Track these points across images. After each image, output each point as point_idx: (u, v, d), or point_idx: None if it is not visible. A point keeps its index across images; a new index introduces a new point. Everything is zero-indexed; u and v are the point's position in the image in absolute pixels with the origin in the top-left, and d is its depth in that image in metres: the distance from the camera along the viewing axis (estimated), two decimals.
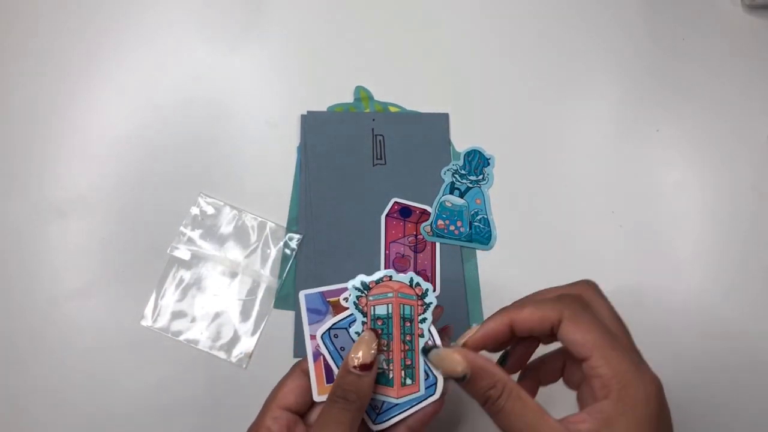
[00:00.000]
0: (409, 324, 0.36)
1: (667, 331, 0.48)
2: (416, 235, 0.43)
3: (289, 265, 0.47)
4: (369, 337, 0.34)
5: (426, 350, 0.35)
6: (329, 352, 0.36)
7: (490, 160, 0.42)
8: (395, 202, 0.43)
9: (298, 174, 0.50)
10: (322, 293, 0.38)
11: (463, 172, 0.41)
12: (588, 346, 0.31)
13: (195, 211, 0.48)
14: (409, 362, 0.35)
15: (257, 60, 0.54)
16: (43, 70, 0.51)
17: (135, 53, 0.53)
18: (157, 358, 0.45)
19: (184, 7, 0.55)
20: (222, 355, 0.45)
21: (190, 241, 0.47)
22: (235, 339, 0.46)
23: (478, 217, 0.42)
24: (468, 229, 0.41)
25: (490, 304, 0.47)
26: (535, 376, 0.37)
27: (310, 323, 0.37)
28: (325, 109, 0.52)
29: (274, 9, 0.55)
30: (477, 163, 0.42)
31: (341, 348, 0.36)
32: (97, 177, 0.49)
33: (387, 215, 0.44)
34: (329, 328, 0.37)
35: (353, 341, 0.35)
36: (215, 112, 0.52)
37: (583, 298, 0.33)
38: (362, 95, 0.53)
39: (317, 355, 0.36)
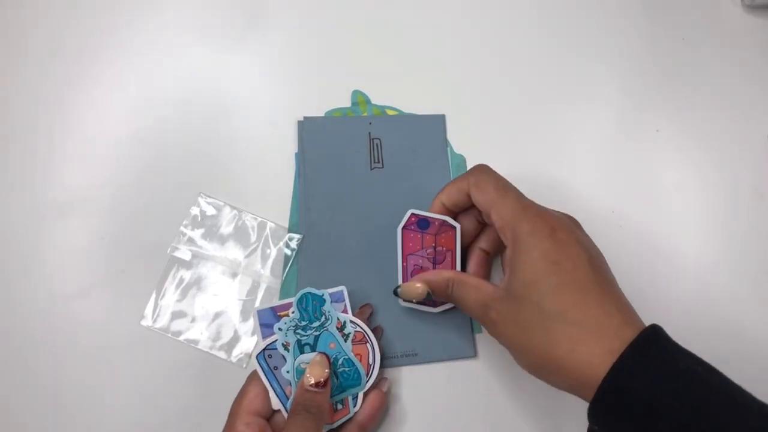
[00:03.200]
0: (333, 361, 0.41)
1: (668, 330, 0.48)
2: (435, 247, 0.43)
3: (289, 265, 0.47)
4: (320, 359, 0.39)
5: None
6: (264, 372, 0.40)
7: (323, 296, 0.42)
8: (412, 214, 0.43)
9: (297, 179, 0.50)
10: (273, 308, 0.42)
11: (303, 323, 0.41)
12: (486, 203, 0.39)
13: (195, 211, 0.48)
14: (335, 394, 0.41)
15: (257, 61, 0.54)
16: (42, 70, 0.51)
17: (135, 53, 0.53)
18: (157, 358, 0.45)
19: (184, 8, 0.55)
20: (222, 355, 0.45)
21: (191, 241, 0.47)
22: (235, 339, 0.46)
23: (340, 361, 0.41)
24: (336, 380, 0.41)
25: None
26: (479, 251, 0.45)
27: (263, 337, 0.41)
28: (323, 113, 0.52)
29: (273, 11, 0.55)
30: (312, 306, 0.42)
31: (275, 368, 0.40)
32: (97, 177, 0.49)
33: (404, 228, 0.44)
34: (263, 349, 0.41)
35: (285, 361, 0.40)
36: (215, 112, 0.52)
37: (485, 168, 0.41)
38: (359, 99, 0.53)
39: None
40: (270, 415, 0.40)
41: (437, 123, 0.53)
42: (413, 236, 0.43)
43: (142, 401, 0.44)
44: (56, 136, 0.50)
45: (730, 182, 0.54)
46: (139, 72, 0.52)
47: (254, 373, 0.41)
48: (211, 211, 0.48)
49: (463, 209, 0.44)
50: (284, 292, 0.47)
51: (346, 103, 0.53)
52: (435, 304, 0.45)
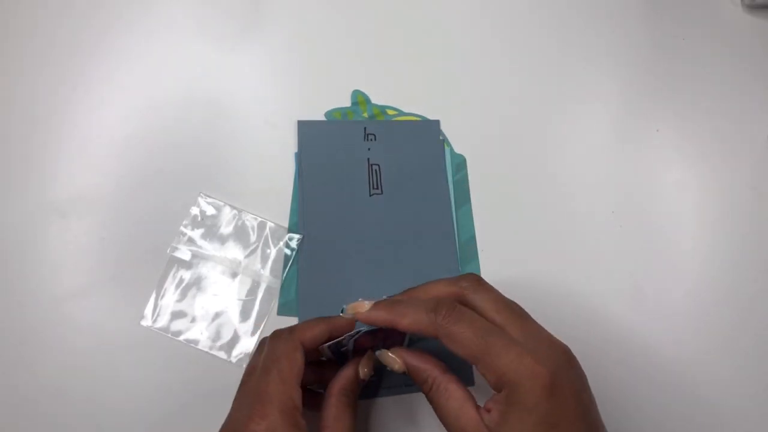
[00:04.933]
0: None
1: (667, 331, 0.48)
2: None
3: (289, 265, 0.47)
4: (371, 354, 0.38)
5: (375, 348, 0.38)
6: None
7: None
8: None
9: (297, 179, 0.50)
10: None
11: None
12: (470, 359, 0.33)
13: (195, 211, 0.48)
14: None
15: (257, 61, 0.54)
16: (42, 70, 0.51)
17: (135, 53, 0.53)
18: (157, 358, 0.45)
19: (184, 7, 0.55)
20: (222, 355, 0.45)
21: (191, 241, 0.47)
22: (235, 339, 0.46)
23: None
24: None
25: None
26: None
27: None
28: (323, 112, 0.52)
29: (273, 11, 0.55)
30: None
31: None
32: (97, 177, 0.49)
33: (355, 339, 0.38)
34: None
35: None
36: (215, 111, 0.52)
37: (460, 302, 0.35)
38: (359, 99, 0.53)
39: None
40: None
41: (433, 128, 0.52)
42: (363, 341, 0.39)
43: (142, 401, 0.44)
44: (56, 136, 0.50)
45: (730, 182, 0.54)
46: (138, 72, 0.52)
47: (293, 340, 0.36)
48: (210, 210, 0.48)
49: None
50: (284, 292, 0.47)
51: (346, 103, 0.53)
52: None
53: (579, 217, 0.51)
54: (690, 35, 0.58)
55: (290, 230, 0.48)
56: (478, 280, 0.36)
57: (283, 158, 0.50)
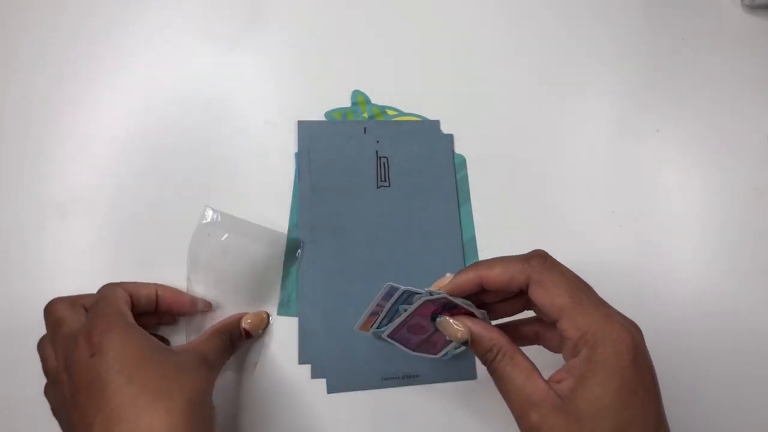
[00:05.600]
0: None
1: (668, 332, 0.48)
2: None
3: (289, 270, 0.47)
4: (265, 316, 0.45)
5: (434, 317, 0.36)
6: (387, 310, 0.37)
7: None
8: (445, 297, 0.35)
9: (297, 179, 0.50)
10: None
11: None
12: (555, 309, 0.32)
13: (206, 220, 0.45)
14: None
15: (257, 61, 0.54)
16: (42, 70, 0.51)
17: (135, 54, 0.53)
18: None
19: (184, 7, 0.55)
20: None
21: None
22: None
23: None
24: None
25: None
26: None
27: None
28: (323, 113, 0.52)
29: (273, 11, 0.55)
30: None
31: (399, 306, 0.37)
32: (97, 177, 0.49)
33: (429, 301, 0.36)
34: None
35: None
36: (215, 111, 0.52)
37: (549, 258, 0.34)
38: (359, 99, 0.53)
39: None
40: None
41: (435, 127, 0.53)
42: (431, 307, 0.36)
43: None
44: (56, 136, 0.50)
45: (730, 182, 0.54)
46: (138, 72, 0.52)
47: (108, 285, 0.41)
48: (216, 221, 0.45)
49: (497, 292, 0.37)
50: (284, 292, 0.47)
51: (346, 103, 0.53)
52: (431, 349, 0.39)
53: (579, 217, 0.51)
54: (690, 35, 0.58)
55: (290, 230, 0.48)
56: (548, 260, 0.35)
57: (283, 158, 0.50)
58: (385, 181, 0.50)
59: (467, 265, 0.48)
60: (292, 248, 0.48)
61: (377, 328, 0.38)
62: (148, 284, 0.43)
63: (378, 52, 0.55)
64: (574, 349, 0.32)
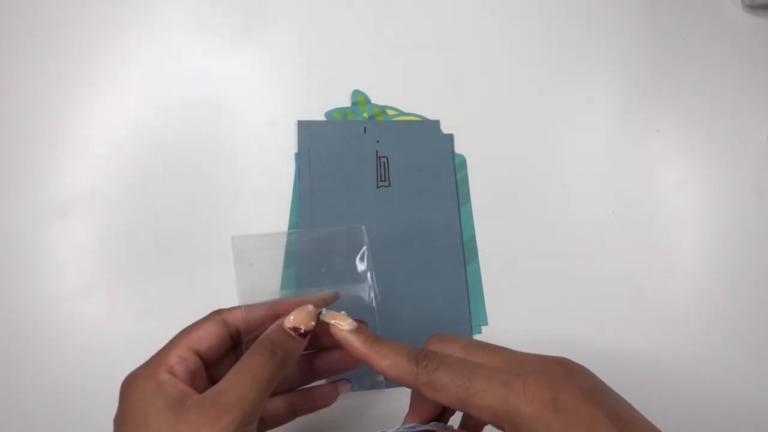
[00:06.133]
0: None
1: (668, 332, 0.48)
2: None
3: (289, 270, 0.47)
4: (312, 310, 0.34)
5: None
6: None
7: None
8: None
9: (297, 179, 0.50)
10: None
11: None
12: (456, 402, 0.29)
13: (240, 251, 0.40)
14: None
15: (257, 61, 0.54)
16: (42, 70, 0.51)
17: (135, 54, 0.53)
18: None
19: (184, 7, 0.55)
20: None
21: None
22: None
23: None
24: None
25: (491, 306, 0.47)
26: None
27: None
28: (323, 113, 0.52)
29: (273, 11, 0.55)
30: None
31: None
32: (97, 177, 0.49)
33: None
34: None
35: None
36: (215, 111, 0.52)
37: (427, 351, 0.31)
38: (359, 99, 0.53)
39: None
40: (212, 362, 0.34)
41: (434, 126, 0.53)
42: None
43: None
44: (56, 136, 0.50)
45: (730, 182, 0.54)
46: (138, 72, 0.52)
47: (218, 312, 0.34)
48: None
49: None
50: (284, 292, 0.47)
51: (346, 102, 0.53)
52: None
53: (579, 217, 0.51)
54: (690, 35, 0.58)
55: (290, 230, 0.48)
56: (437, 336, 0.33)
57: (283, 158, 0.50)
58: (385, 181, 0.50)
59: (466, 263, 0.48)
60: (293, 248, 0.48)
61: None
62: (212, 320, 0.34)
63: (378, 51, 0.55)
64: (500, 428, 0.29)
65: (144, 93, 0.52)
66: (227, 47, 0.54)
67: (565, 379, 0.29)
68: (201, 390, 0.31)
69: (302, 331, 0.33)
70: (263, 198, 0.49)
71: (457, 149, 0.52)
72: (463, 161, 0.52)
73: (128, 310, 0.46)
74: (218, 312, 0.34)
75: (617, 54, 0.57)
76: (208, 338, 0.33)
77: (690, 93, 0.56)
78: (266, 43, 0.54)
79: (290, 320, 0.33)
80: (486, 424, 0.30)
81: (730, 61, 0.58)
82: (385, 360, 0.32)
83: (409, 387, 0.31)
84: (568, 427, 0.27)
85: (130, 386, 0.31)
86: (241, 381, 0.30)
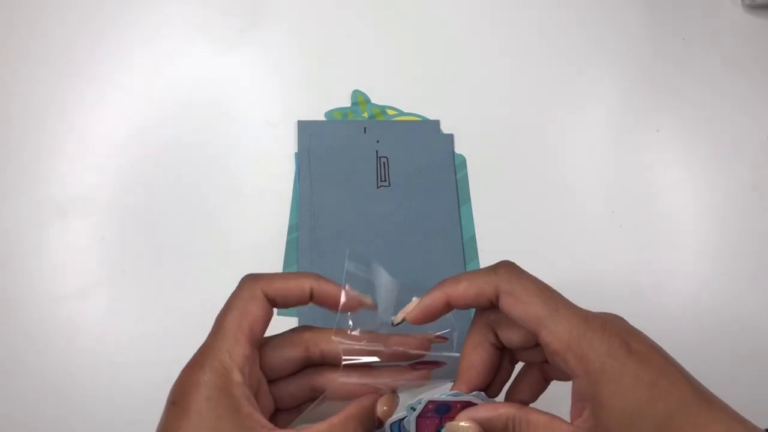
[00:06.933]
0: None
1: (668, 332, 0.48)
2: None
3: (289, 270, 0.47)
4: (397, 398, 0.33)
5: (438, 430, 0.32)
6: None
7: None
8: (429, 402, 0.32)
9: (297, 179, 0.50)
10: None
11: None
12: (532, 319, 0.29)
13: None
14: None
15: (257, 61, 0.54)
16: (42, 70, 0.51)
17: (135, 54, 0.53)
18: (159, 359, 0.45)
19: (184, 7, 0.55)
20: None
21: None
22: None
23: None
24: None
25: None
26: (533, 372, 0.35)
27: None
28: (323, 113, 0.52)
29: (273, 11, 0.55)
30: None
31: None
32: (97, 177, 0.49)
33: (420, 416, 0.33)
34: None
35: None
36: (214, 111, 0.52)
37: (518, 268, 0.31)
38: (359, 99, 0.53)
39: None
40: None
41: (446, 143, 0.52)
42: (429, 423, 0.33)
43: (142, 402, 0.44)
44: (56, 136, 0.50)
45: (730, 182, 0.54)
46: (138, 72, 0.52)
47: (254, 288, 0.30)
48: None
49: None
50: None
51: (346, 102, 0.53)
52: None
53: (579, 217, 0.51)
54: (690, 35, 0.58)
55: (290, 230, 0.48)
56: (517, 269, 0.32)
57: (283, 158, 0.50)
58: (385, 181, 0.50)
59: (466, 264, 0.48)
60: (293, 248, 0.48)
61: None
62: (300, 277, 0.32)
63: (378, 52, 0.55)
64: (563, 363, 0.29)
65: (144, 93, 0.52)
66: (227, 47, 0.54)
67: (634, 329, 0.30)
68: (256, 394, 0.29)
69: (381, 421, 0.32)
70: (263, 198, 0.49)
71: (457, 149, 0.52)
72: (463, 161, 0.52)
73: (128, 310, 0.46)
74: (254, 282, 0.31)
75: (617, 54, 0.57)
76: (260, 326, 0.30)
77: (690, 93, 0.56)
78: (266, 42, 0.54)
79: (382, 411, 0.31)
80: (538, 361, 0.31)
81: (730, 60, 0.58)
82: (459, 286, 0.31)
83: (485, 303, 0.31)
84: (642, 370, 0.27)
85: (196, 393, 0.28)
86: None
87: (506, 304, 0.30)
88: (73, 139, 0.50)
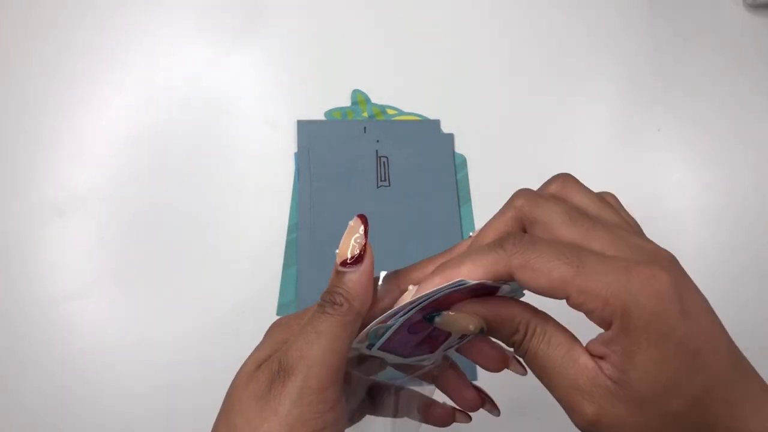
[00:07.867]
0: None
1: None
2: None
3: (289, 270, 0.47)
4: (353, 223, 0.29)
5: (431, 317, 0.27)
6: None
7: None
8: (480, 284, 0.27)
9: (297, 179, 0.50)
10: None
11: None
12: (557, 285, 0.24)
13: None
14: None
15: (256, 61, 0.54)
16: (42, 70, 0.51)
17: (135, 54, 0.53)
18: (158, 359, 0.45)
19: (184, 7, 0.55)
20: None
21: None
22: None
23: None
24: None
25: None
26: None
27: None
28: (322, 112, 0.52)
29: (273, 12, 0.55)
30: None
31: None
32: (97, 177, 0.49)
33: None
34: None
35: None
36: (214, 111, 0.52)
37: (525, 236, 0.26)
38: (359, 99, 0.53)
39: None
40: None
41: (434, 126, 0.52)
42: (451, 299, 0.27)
43: (142, 401, 0.44)
44: (56, 136, 0.50)
45: (731, 182, 0.54)
46: (138, 72, 0.52)
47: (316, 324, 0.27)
48: None
49: None
50: (284, 292, 0.47)
51: (346, 102, 0.53)
52: (429, 347, 0.30)
53: None
54: (691, 35, 0.58)
55: (290, 230, 0.48)
56: (533, 194, 0.28)
57: (283, 158, 0.50)
58: (385, 180, 0.50)
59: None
60: (293, 247, 0.48)
61: (369, 341, 0.29)
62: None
63: (378, 51, 0.55)
64: (600, 320, 0.24)
65: (144, 93, 0.52)
66: (227, 47, 0.54)
67: (685, 279, 0.25)
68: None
69: (353, 257, 0.28)
70: (263, 197, 0.49)
71: (457, 149, 0.52)
72: (464, 161, 0.52)
73: (126, 310, 0.46)
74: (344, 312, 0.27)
75: (618, 54, 0.57)
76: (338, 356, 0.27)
77: (691, 93, 0.56)
78: (266, 42, 0.54)
79: (336, 255, 0.28)
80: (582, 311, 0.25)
81: (731, 60, 0.58)
82: (463, 266, 0.26)
83: (499, 277, 0.25)
84: (693, 334, 0.24)
85: None
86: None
87: (524, 278, 0.25)
88: (72, 139, 0.50)
